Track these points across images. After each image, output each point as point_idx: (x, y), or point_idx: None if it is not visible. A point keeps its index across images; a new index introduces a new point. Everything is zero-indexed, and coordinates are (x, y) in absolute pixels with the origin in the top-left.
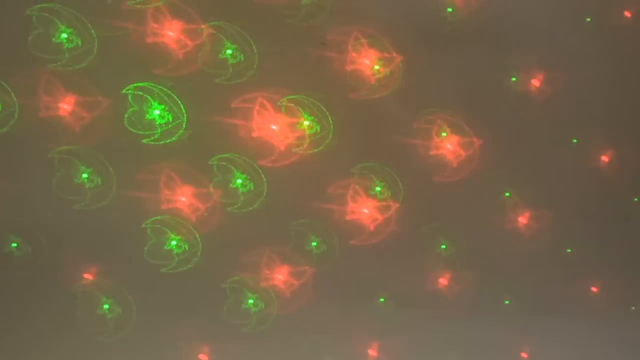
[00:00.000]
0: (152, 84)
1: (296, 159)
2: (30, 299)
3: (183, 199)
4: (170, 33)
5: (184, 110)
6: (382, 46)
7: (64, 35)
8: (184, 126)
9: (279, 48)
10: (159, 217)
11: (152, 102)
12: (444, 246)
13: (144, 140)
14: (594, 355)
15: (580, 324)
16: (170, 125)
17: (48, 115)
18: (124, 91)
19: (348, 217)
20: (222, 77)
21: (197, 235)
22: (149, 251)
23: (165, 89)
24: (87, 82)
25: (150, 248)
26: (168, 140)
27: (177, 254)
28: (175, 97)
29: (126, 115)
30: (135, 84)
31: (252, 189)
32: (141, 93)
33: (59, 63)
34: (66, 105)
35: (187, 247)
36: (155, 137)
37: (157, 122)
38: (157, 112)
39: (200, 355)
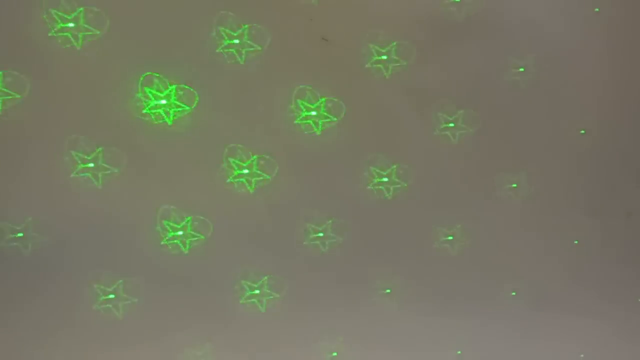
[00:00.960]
0: (159, 75)
1: (305, 149)
2: (35, 293)
3: (190, 188)
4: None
5: (196, 97)
6: (390, 37)
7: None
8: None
9: (286, 40)
10: (167, 206)
11: (161, 90)
12: (450, 237)
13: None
14: (599, 347)
15: (586, 315)
16: (179, 113)
17: (54, 106)
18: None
19: (354, 208)
20: (232, 64)
21: (206, 224)
22: (156, 240)
23: (172, 75)
24: (92, 70)
25: (158, 237)
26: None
27: (184, 243)
28: (184, 85)
29: (135, 103)
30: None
31: (261, 178)
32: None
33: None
34: (72, 95)
35: (195, 236)
36: (165, 126)
37: (166, 109)
38: (163, 101)
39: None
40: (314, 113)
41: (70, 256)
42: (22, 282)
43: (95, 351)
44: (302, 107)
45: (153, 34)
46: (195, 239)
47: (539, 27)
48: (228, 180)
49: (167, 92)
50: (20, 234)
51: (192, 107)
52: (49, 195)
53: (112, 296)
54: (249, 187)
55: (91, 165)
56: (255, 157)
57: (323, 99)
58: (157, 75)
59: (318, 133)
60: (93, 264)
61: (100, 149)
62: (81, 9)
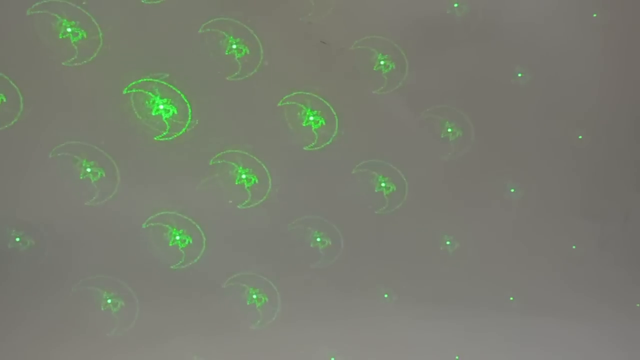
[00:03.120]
0: (155, 80)
1: (301, 155)
2: (33, 296)
3: (186, 194)
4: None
5: (188, 105)
6: (388, 42)
7: (69, 30)
8: (189, 120)
9: (283, 45)
10: (163, 213)
11: (155, 98)
12: (448, 242)
13: (156, 138)
14: (597, 352)
15: (584, 320)
16: (175, 120)
17: (54, 111)
18: (125, 90)
19: (352, 213)
20: (226, 71)
21: (201, 231)
22: (152, 247)
23: (166, 83)
24: (93, 76)
25: (155, 243)
26: (175, 135)
27: (181, 250)
28: (178, 91)
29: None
30: (135, 82)
31: (257, 184)
32: (143, 90)
33: (71, 59)
34: (72, 100)
35: (191, 242)
36: (165, 133)
37: (164, 117)
38: (161, 106)
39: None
40: (312, 118)
41: (69, 258)
42: (19, 281)
43: (92, 355)
44: (298, 112)
45: (145, 38)
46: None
47: (537, 31)
48: (225, 184)
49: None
50: (18, 238)
51: (189, 111)
52: (53, 197)
53: (109, 301)
54: (246, 191)
55: (88, 170)
56: (246, 165)
57: (320, 102)
58: (156, 81)
59: (315, 138)
60: (91, 266)
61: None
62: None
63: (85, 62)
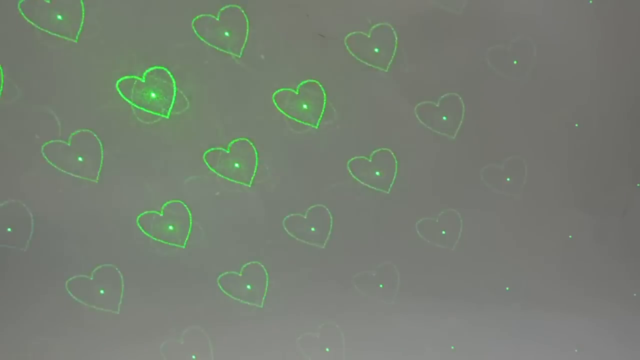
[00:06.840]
0: (148, 68)
1: (296, 144)
2: (28, 290)
3: (179, 185)
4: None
5: (181, 95)
6: (386, 33)
7: (59, 17)
8: (182, 110)
9: (279, 36)
10: (156, 204)
11: (148, 87)
12: (444, 232)
13: (147, 127)
14: (593, 342)
15: (580, 310)
16: (168, 110)
17: (47, 103)
18: (117, 79)
19: (347, 203)
20: (226, 59)
21: (195, 223)
22: (146, 239)
23: (157, 76)
24: (86, 64)
25: (148, 236)
26: (168, 125)
27: (175, 242)
28: (172, 80)
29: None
30: (126, 70)
31: (252, 175)
32: (135, 78)
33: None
34: (64, 92)
35: (184, 234)
36: (157, 123)
37: (156, 107)
38: (153, 94)
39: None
40: (305, 106)
41: (62, 252)
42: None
43: (88, 348)
44: (295, 101)
45: (138, 25)
46: (185, 232)
47: (533, 20)
48: (221, 176)
49: (161, 87)
50: (9, 229)
51: (186, 101)
52: (43, 192)
53: (102, 291)
54: (240, 182)
55: (80, 159)
56: (238, 145)
57: (316, 92)
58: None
59: (313, 127)
60: (84, 259)
61: (101, 143)
62: None
63: (75, 50)
